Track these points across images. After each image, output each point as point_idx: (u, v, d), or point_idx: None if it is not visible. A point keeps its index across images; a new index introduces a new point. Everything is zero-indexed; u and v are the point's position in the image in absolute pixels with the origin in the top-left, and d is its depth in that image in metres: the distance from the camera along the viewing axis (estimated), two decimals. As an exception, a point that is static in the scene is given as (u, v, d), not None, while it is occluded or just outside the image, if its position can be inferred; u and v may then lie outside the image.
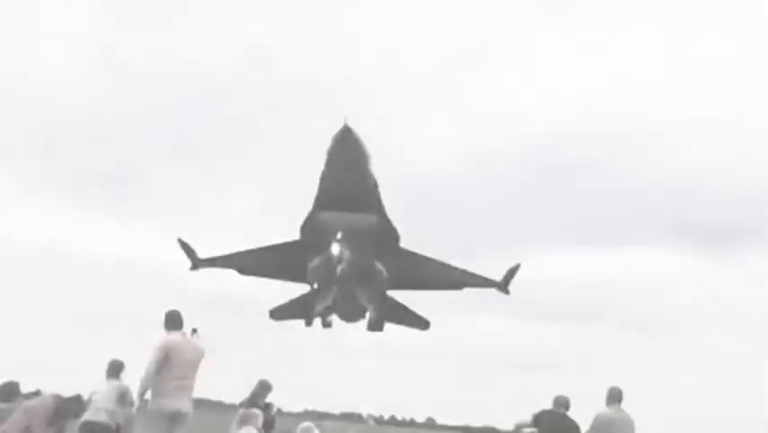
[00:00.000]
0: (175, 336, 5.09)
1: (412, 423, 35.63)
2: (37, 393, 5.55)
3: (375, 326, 9.26)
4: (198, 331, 5.32)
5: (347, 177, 7.21)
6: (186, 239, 8.47)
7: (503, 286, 8.50)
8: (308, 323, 9.19)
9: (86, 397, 5.41)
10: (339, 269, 7.82)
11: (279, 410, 6.35)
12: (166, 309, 5.26)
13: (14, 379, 5.64)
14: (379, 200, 7.64)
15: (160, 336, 5.12)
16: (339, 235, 7.44)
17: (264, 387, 5.99)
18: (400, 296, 9.09)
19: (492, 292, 8.58)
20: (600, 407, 5.64)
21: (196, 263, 8.53)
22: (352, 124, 6.96)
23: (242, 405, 5.94)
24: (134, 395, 5.15)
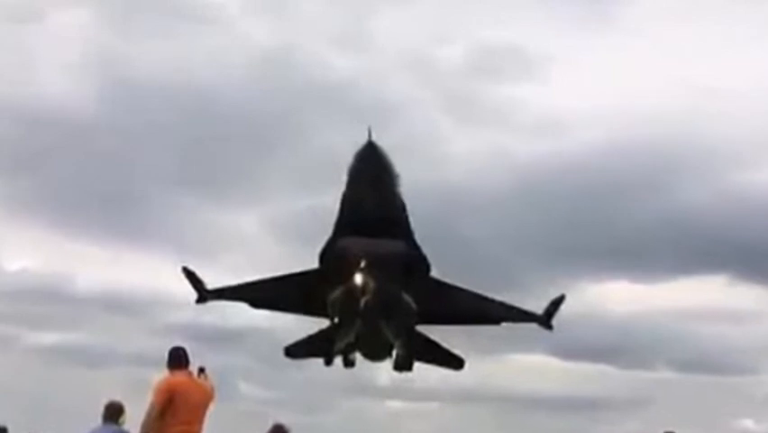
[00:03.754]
0: (180, 377, 5.05)
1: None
2: (27, 439, 5.54)
3: (403, 364, 9.17)
4: (206, 371, 5.29)
5: (371, 198, 7.15)
6: (192, 268, 8.43)
7: (545, 321, 8.39)
8: (328, 361, 9.10)
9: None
10: (362, 301, 7.75)
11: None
12: (169, 346, 5.24)
13: (2, 423, 5.64)
14: (407, 224, 7.58)
15: (163, 376, 5.09)
16: (362, 264, 7.38)
17: (279, 432, 5.94)
18: (431, 331, 9.03)
19: (533, 328, 8.49)
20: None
21: (204, 295, 8.48)
22: (376, 140, 6.92)
23: (254, 453, 5.90)
24: (134, 442, 5.12)
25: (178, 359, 5.23)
